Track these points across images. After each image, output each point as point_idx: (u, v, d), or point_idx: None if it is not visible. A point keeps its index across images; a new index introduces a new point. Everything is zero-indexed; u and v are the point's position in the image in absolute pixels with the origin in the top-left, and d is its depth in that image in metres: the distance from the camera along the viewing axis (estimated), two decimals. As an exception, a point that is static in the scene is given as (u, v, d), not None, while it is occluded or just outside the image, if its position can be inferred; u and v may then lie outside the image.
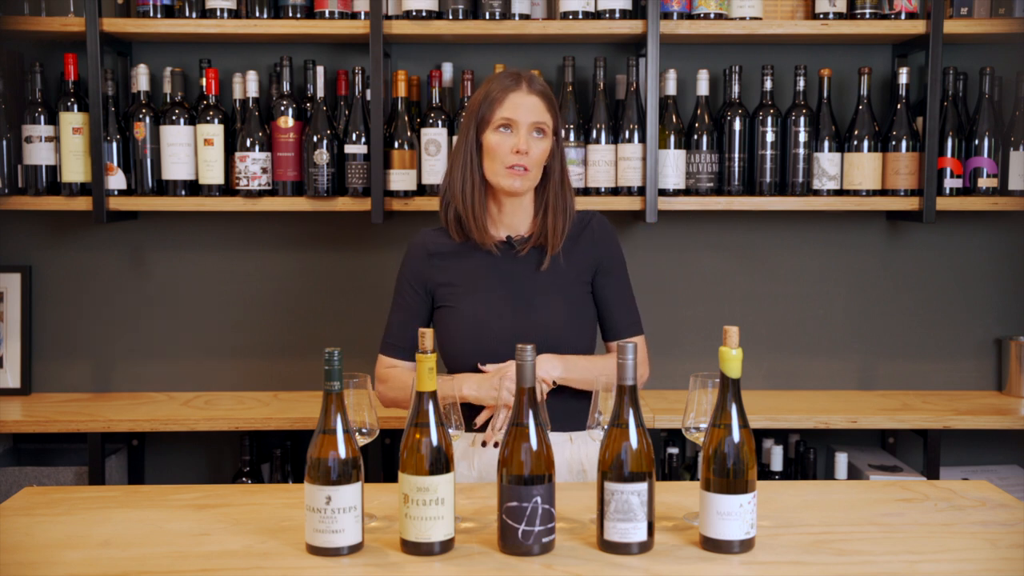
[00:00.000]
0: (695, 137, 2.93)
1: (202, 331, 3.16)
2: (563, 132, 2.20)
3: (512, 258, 2.18)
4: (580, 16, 2.86)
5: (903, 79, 2.93)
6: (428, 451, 1.62)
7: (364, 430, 1.81)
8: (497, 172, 2.12)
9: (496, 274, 2.17)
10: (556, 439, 2.08)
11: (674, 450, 2.97)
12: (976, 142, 2.93)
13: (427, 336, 1.67)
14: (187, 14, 2.86)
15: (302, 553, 1.65)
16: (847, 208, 2.92)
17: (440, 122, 2.89)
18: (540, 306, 2.15)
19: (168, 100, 2.95)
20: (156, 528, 1.77)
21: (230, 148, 2.92)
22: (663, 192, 2.91)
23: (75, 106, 2.87)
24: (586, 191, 2.92)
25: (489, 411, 2.08)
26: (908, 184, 2.91)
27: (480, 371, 2.11)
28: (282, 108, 2.86)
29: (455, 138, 2.21)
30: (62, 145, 2.87)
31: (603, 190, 2.91)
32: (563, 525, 1.76)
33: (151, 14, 2.84)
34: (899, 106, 2.92)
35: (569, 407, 2.15)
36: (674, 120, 2.93)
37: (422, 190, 2.91)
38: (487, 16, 2.83)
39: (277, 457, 3.00)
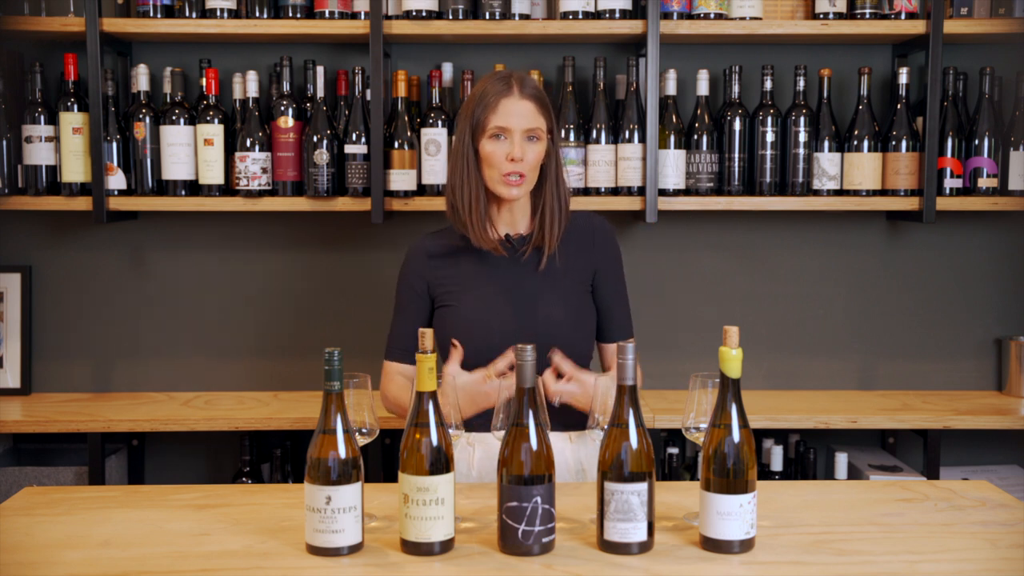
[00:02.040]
0: (695, 137, 2.93)
1: (202, 331, 3.16)
2: (558, 130, 2.21)
3: (511, 258, 2.19)
4: (580, 16, 2.86)
5: (903, 79, 2.93)
6: (428, 451, 1.62)
7: (364, 430, 1.81)
8: (494, 180, 2.13)
9: (495, 274, 2.18)
10: (556, 439, 2.08)
11: (674, 450, 2.97)
12: (976, 142, 2.93)
13: (427, 336, 1.67)
14: (187, 14, 2.86)
15: (302, 553, 1.65)
16: (847, 208, 2.92)
17: (440, 122, 2.89)
18: (539, 305, 2.15)
19: (168, 100, 2.95)
20: (156, 528, 1.77)
21: (230, 148, 2.92)
22: (663, 192, 2.91)
23: (75, 106, 2.87)
24: (586, 191, 2.92)
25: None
26: (908, 184, 2.91)
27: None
28: (282, 108, 2.86)
29: (453, 139, 2.22)
30: (62, 145, 2.87)
31: (603, 190, 2.91)
32: (563, 525, 1.76)
33: (151, 14, 2.84)
34: (899, 106, 2.92)
35: (569, 407, 2.14)
36: (674, 120, 2.93)
37: (422, 190, 2.91)
38: (487, 16, 2.83)
39: (277, 457, 3.00)
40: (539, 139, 2.13)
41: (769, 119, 2.91)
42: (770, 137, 2.92)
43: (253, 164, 2.87)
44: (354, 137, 2.86)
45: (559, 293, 2.17)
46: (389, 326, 2.28)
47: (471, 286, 2.17)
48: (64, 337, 3.14)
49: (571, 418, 2.14)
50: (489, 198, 2.19)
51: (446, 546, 1.64)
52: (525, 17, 2.88)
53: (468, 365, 2.10)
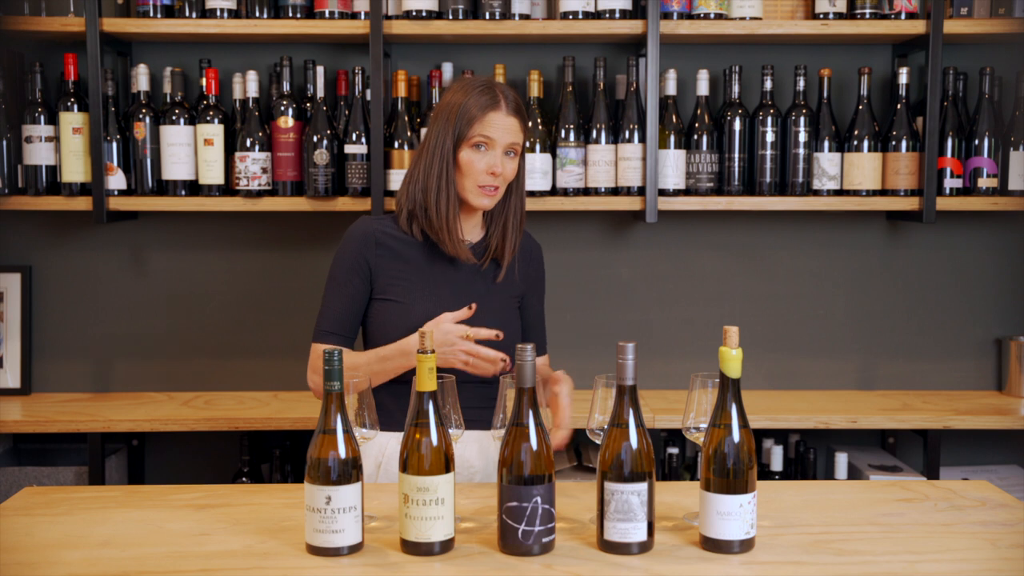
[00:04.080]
0: (695, 137, 2.93)
1: (202, 331, 3.16)
2: (528, 143, 2.23)
3: (463, 263, 2.19)
4: (580, 16, 2.86)
5: (903, 79, 2.93)
6: (428, 451, 1.62)
7: (364, 430, 1.81)
8: (468, 189, 2.13)
9: (449, 276, 2.18)
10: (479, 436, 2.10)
11: (674, 450, 2.97)
12: (976, 142, 2.93)
13: (427, 336, 1.67)
14: (187, 14, 2.86)
15: (302, 553, 1.65)
16: (847, 208, 2.92)
17: (440, 122, 2.88)
18: (485, 312, 2.13)
19: (168, 100, 2.95)
20: (156, 528, 1.77)
21: (230, 148, 2.92)
22: (663, 192, 2.91)
23: (75, 106, 2.87)
24: (586, 191, 2.92)
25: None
26: (908, 184, 2.91)
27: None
28: (282, 108, 2.86)
29: (426, 142, 2.17)
30: (62, 145, 2.87)
31: (603, 190, 2.91)
32: (563, 525, 1.76)
33: (151, 14, 2.84)
34: (899, 106, 2.92)
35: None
36: (674, 120, 2.93)
37: (422, 190, 2.91)
38: (487, 16, 2.83)
39: (277, 457, 3.00)
40: (516, 154, 2.15)
41: (769, 119, 2.91)
42: (770, 137, 2.92)
43: (253, 164, 2.87)
44: (354, 137, 2.86)
45: (500, 302, 2.21)
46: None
47: (424, 284, 2.16)
48: (64, 337, 3.14)
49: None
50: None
51: (446, 546, 1.64)
52: (525, 17, 2.88)
53: None
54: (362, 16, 2.87)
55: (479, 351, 2.02)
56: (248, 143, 2.86)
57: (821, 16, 2.88)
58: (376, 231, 2.19)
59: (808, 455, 2.95)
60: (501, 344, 2.09)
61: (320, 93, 2.87)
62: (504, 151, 2.12)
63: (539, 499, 1.61)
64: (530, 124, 2.89)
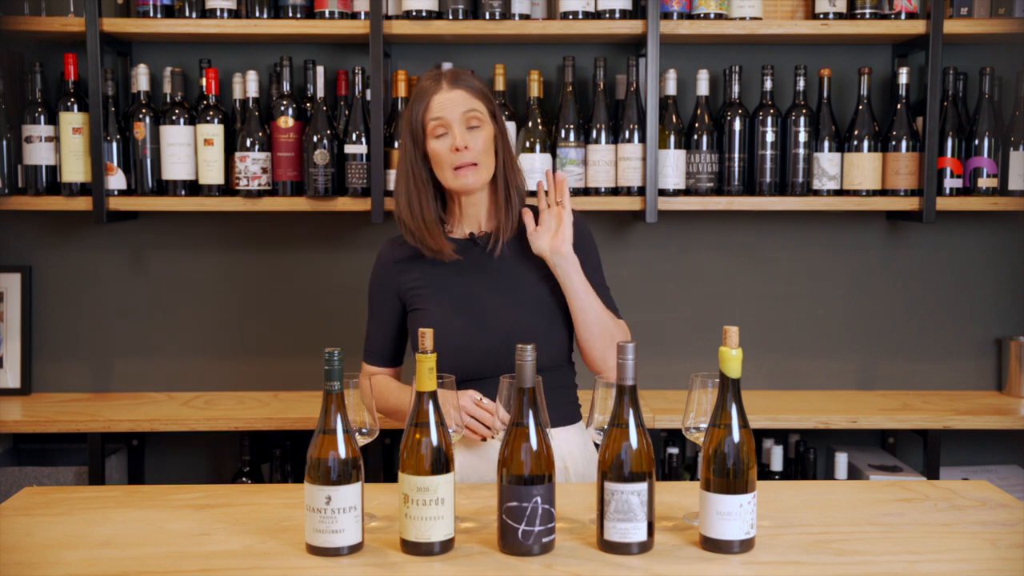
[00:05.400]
0: (695, 137, 2.93)
1: (202, 331, 3.16)
2: (502, 114, 2.19)
3: (477, 253, 2.18)
4: (580, 16, 2.86)
5: (903, 79, 2.93)
6: (428, 451, 1.62)
7: (364, 430, 1.81)
8: (446, 177, 2.12)
9: (464, 272, 2.16)
10: None
11: (674, 450, 2.97)
12: (976, 142, 2.93)
13: (427, 336, 1.67)
14: (187, 14, 2.86)
15: (302, 553, 1.65)
16: (847, 208, 2.92)
17: (440, 122, 2.88)
18: (510, 300, 2.14)
19: (168, 100, 2.95)
20: (156, 528, 1.77)
21: (230, 148, 2.92)
22: (663, 192, 2.91)
23: (75, 106, 2.87)
24: (586, 191, 2.92)
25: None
26: (908, 184, 2.91)
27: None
28: (282, 108, 2.86)
29: (397, 153, 2.19)
30: (62, 145, 2.87)
31: (603, 190, 2.91)
32: (563, 525, 1.76)
33: (151, 14, 2.84)
34: (899, 106, 2.92)
35: (549, 402, 2.12)
36: (674, 120, 2.93)
37: (422, 190, 2.90)
38: (487, 16, 2.83)
39: (277, 457, 3.00)
40: (481, 124, 2.11)
41: (769, 119, 2.91)
42: (770, 137, 2.92)
43: (253, 164, 2.87)
44: (354, 137, 2.86)
45: (529, 285, 2.15)
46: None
47: (441, 287, 2.16)
48: (64, 337, 3.14)
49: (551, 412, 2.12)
50: (450, 198, 2.18)
51: (446, 546, 1.64)
52: (525, 17, 2.88)
53: (445, 366, 2.00)
54: (362, 16, 2.87)
55: (474, 411, 2.00)
56: (248, 143, 2.87)
57: (821, 16, 2.88)
58: (393, 253, 2.22)
59: (808, 455, 2.95)
60: (540, 326, 2.10)
61: (320, 93, 2.87)
62: (463, 125, 2.09)
63: (539, 499, 1.61)
64: (530, 124, 2.89)
